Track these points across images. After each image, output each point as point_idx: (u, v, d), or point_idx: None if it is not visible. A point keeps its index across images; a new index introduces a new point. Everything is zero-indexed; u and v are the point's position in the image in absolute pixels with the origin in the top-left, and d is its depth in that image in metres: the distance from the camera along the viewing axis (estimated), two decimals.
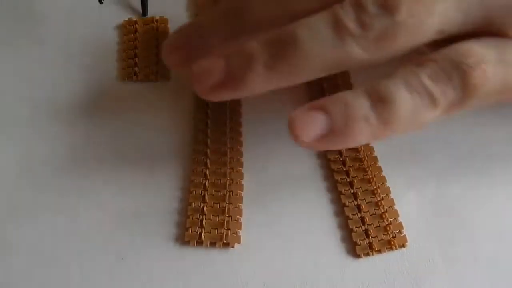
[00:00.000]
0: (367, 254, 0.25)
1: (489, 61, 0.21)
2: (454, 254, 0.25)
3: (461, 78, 0.21)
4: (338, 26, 0.22)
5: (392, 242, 0.25)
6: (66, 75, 0.31)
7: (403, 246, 0.25)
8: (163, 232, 0.25)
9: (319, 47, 0.22)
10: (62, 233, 0.25)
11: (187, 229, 0.25)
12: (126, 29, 0.33)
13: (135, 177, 0.27)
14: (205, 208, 0.26)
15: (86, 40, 0.33)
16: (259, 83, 0.23)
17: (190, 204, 0.26)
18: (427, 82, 0.21)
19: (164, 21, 0.33)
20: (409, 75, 0.22)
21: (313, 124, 0.22)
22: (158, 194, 0.27)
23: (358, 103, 0.22)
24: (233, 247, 0.25)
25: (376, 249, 0.25)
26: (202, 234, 0.25)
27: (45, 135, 0.29)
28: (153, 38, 0.33)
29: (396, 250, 0.25)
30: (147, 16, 0.34)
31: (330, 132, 0.22)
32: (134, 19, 0.33)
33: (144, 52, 0.32)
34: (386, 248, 0.25)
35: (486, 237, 0.25)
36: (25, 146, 0.28)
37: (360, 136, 0.22)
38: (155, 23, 0.33)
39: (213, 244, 0.25)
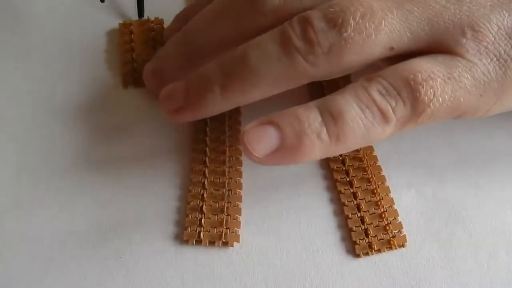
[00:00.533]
0: (367, 254, 0.25)
1: (437, 78, 0.22)
2: (454, 254, 0.24)
3: (410, 94, 0.22)
4: (285, 43, 0.23)
5: (391, 242, 0.25)
6: (64, 78, 0.31)
7: (403, 245, 0.25)
8: (162, 231, 0.25)
9: (268, 65, 0.23)
10: (60, 231, 0.25)
11: (186, 228, 0.25)
12: (122, 31, 0.33)
13: (134, 175, 0.27)
14: (204, 207, 0.26)
15: (82, 43, 0.33)
16: (218, 103, 0.24)
17: (189, 203, 0.26)
18: (377, 98, 0.22)
19: (159, 21, 0.33)
20: (359, 91, 0.22)
21: (265, 139, 0.22)
22: (157, 192, 0.26)
23: (310, 119, 0.22)
24: (232, 246, 0.25)
25: (376, 248, 0.25)
26: (201, 233, 0.25)
27: (45, 134, 0.29)
28: (150, 39, 0.32)
29: (395, 250, 0.25)
30: (143, 17, 0.34)
31: (281, 147, 0.22)
32: (129, 22, 0.33)
33: (141, 54, 0.32)
34: (386, 248, 0.25)
35: (486, 237, 0.25)
36: (25, 146, 0.28)
37: (311, 151, 0.22)
38: (151, 24, 0.33)
39: (212, 243, 0.25)
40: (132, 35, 0.32)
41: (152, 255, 0.24)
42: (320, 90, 0.30)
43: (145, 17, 0.34)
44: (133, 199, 0.26)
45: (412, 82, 0.22)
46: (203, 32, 0.27)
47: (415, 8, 0.23)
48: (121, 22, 0.33)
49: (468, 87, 0.22)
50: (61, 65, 0.32)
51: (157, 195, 0.26)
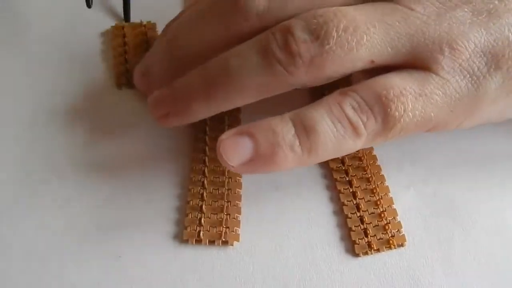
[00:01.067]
0: (366, 253, 0.25)
1: (409, 94, 0.22)
2: (453, 253, 0.25)
3: (381, 110, 0.22)
4: (266, 53, 0.23)
5: (390, 241, 0.25)
6: (63, 78, 0.31)
7: (402, 245, 0.25)
8: (161, 231, 0.25)
9: (249, 74, 0.23)
10: (59, 231, 0.25)
11: (185, 228, 0.25)
12: (114, 34, 0.33)
13: (133, 175, 0.27)
14: (203, 206, 0.26)
15: (78, 44, 0.32)
16: (202, 110, 0.25)
17: (188, 202, 0.26)
18: (350, 112, 0.22)
19: (152, 25, 0.33)
20: (333, 105, 0.22)
21: (239, 150, 0.22)
22: (156, 192, 0.26)
23: (284, 131, 0.22)
24: (232, 245, 0.25)
25: (375, 248, 0.25)
26: (201, 233, 0.25)
27: (44, 134, 0.28)
28: (144, 42, 0.32)
29: (394, 249, 0.25)
30: (129, 20, 0.33)
31: (255, 157, 0.22)
32: (122, 25, 0.33)
33: (135, 57, 0.31)
34: (385, 247, 0.25)
35: (485, 236, 0.25)
36: (25, 146, 0.28)
37: (284, 162, 0.22)
38: (143, 28, 0.33)
39: (212, 243, 0.25)
40: (125, 38, 0.32)
41: (152, 254, 0.24)
42: (320, 90, 0.29)
43: (138, 21, 0.33)
44: (133, 198, 0.26)
45: (384, 98, 0.22)
46: (186, 36, 0.27)
47: (397, 23, 0.23)
48: (112, 25, 0.33)
49: (439, 103, 0.23)
50: (58, 66, 0.31)
51: (156, 194, 0.26)
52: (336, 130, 0.22)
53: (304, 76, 0.23)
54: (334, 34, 0.22)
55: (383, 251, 0.25)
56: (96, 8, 0.34)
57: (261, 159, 0.22)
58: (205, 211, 0.26)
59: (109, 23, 0.34)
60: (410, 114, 0.22)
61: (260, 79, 0.23)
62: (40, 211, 0.26)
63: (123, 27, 0.33)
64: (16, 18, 0.34)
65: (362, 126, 0.22)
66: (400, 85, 0.22)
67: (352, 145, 0.23)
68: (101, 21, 0.34)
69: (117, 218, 0.26)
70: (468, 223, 0.25)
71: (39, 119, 0.29)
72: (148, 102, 0.26)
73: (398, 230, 0.25)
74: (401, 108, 0.22)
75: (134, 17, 0.34)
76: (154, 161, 0.27)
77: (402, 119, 0.22)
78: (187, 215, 0.25)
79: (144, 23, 0.33)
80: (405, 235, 0.25)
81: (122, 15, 0.34)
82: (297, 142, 0.22)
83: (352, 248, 0.25)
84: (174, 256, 0.25)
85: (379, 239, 0.25)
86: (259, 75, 0.23)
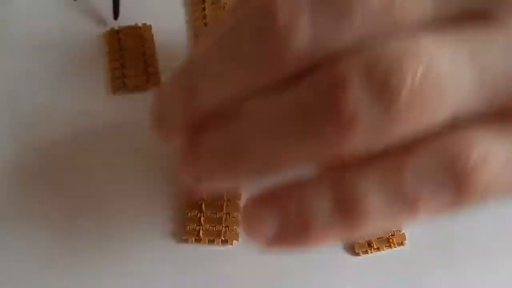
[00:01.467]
0: (366, 252, 0.25)
1: (496, 160, 0.16)
2: (453, 253, 0.25)
3: (456, 181, 0.16)
4: (308, 121, 0.16)
5: (390, 240, 0.25)
6: (58, 84, 0.30)
7: (402, 244, 0.25)
8: (161, 229, 0.25)
9: (286, 148, 0.17)
10: (58, 230, 0.25)
11: (185, 226, 0.25)
12: (108, 38, 0.32)
13: (133, 174, 0.27)
14: (203, 205, 0.26)
15: (68, 50, 0.31)
16: (231, 180, 0.20)
17: (188, 201, 0.26)
18: (410, 182, 0.16)
19: (147, 28, 0.32)
20: (388, 173, 0.17)
21: (265, 225, 0.18)
22: (155, 191, 0.26)
23: (320, 204, 0.17)
24: (231, 244, 0.25)
25: (375, 247, 0.25)
26: (201, 231, 0.25)
27: (39, 138, 0.28)
28: (139, 46, 0.32)
29: (394, 248, 0.25)
30: (118, 16, 0.32)
31: (282, 236, 0.18)
32: (117, 29, 0.32)
33: (131, 61, 0.31)
34: (385, 246, 0.25)
35: (486, 235, 0.25)
36: (25, 146, 0.28)
37: (318, 243, 0.18)
38: (139, 30, 0.32)
39: (211, 241, 0.25)
40: (121, 42, 0.32)
41: (151, 253, 0.25)
42: None
43: (130, 19, 0.33)
44: (132, 197, 0.26)
45: (460, 166, 0.16)
46: (205, 84, 0.19)
47: (496, 61, 0.16)
48: (107, 29, 0.32)
49: None
50: (52, 70, 0.31)
51: (156, 193, 0.26)
52: (389, 206, 0.16)
53: (358, 147, 0.16)
54: (406, 89, 0.15)
55: (383, 250, 0.25)
56: (93, 10, 0.34)
57: (290, 238, 0.18)
58: (205, 210, 0.26)
59: (104, 24, 0.33)
60: (495, 187, 0.16)
61: (301, 153, 0.17)
62: (38, 210, 0.26)
63: (118, 31, 0.32)
64: (6, 20, 0.33)
65: (425, 202, 0.16)
66: (483, 146, 0.16)
67: (407, 221, 0.17)
68: (97, 23, 0.33)
69: (117, 217, 0.26)
70: (468, 222, 0.25)
71: (35, 123, 0.28)
72: (176, 170, 0.21)
73: (398, 229, 0.25)
74: (483, 180, 0.16)
75: (127, 15, 0.33)
76: (153, 160, 0.27)
77: (481, 194, 0.16)
78: (186, 214, 0.25)
79: (140, 25, 0.32)
80: (405, 234, 0.25)
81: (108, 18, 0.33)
82: (337, 221, 0.17)
83: (352, 247, 0.25)
84: (174, 255, 0.25)
85: (379, 238, 0.25)
86: (299, 149, 0.17)
